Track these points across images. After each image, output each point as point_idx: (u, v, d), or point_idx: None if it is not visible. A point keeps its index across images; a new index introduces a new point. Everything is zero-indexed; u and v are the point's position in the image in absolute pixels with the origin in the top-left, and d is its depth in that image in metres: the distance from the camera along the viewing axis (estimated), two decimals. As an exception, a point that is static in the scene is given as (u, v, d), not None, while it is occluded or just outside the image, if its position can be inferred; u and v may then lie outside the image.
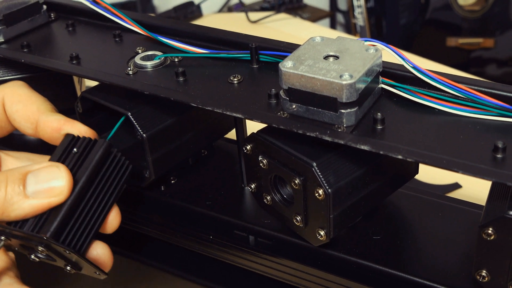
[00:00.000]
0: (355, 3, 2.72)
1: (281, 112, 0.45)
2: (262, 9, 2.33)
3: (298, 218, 0.48)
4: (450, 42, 2.47)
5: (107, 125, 0.56)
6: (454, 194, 0.82)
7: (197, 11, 1.81)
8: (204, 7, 1.88)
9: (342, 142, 0.42)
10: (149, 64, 0.53)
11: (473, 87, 0.44)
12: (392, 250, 0.51)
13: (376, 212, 0.55)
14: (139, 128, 0.52)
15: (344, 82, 0.41)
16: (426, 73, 0.45)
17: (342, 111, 0.42)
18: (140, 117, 0.52)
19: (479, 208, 0.54)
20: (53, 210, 0.44)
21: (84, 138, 0.47)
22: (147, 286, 0.66)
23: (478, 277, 0.43)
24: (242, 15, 1.63)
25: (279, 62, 0.45)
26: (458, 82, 0.44)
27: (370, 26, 2.76)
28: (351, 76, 0.41)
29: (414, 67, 0.46)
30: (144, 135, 0.52)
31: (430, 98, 0.45)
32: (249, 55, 0.52)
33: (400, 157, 0.40)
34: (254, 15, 1.63)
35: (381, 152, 0.40)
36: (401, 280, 0.49)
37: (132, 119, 0.52)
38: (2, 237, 0.44)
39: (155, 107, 0.53)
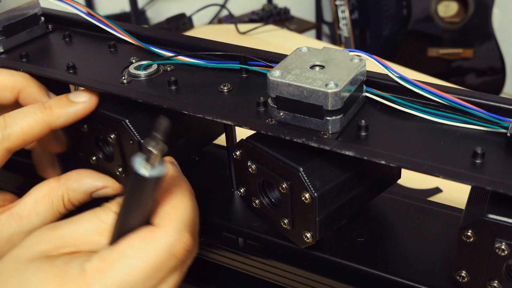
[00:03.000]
0: (340, 15, 2.75)
1: (269, 119, 0.46)
2: (251, 20, 2.35)
3: (285, 221, 0.48)
4: (431, 53, 2.50)
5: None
6: (435, 198, 0.83)
7: (188, 23, 1.82)
8: (195, 19, 1.89)
9: (327, 148, 0.42)
10: (142, 73, 0.53)
11: (456, 95, 0.45)
12: (375, 251, 0.52)
13: (361, 215, 0.55)
14: (136, 134, 0.52)
15: (329, 91, 0.42)
16: (411, 82, 0.46)
17: (328, 118, 0.43)
18: (136, 124, 0.53)
19: (459, 212, 0.54)
20: None
21: None
22: None
23: (458, 277, 0.43)
24: (231, 26, 1.64)
25: (267, 71, 0.45)
26: (443, 91, 0.45)
27: (354, 37, 2.78)
28: (336, 85, 0.42)
29: (400, 77, 0.46)
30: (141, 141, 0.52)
31: (411, 106, 0.46)
32: (239, 64, 0.53)
33: (383, 162, 0.41)
34: (243, 27, 1.64)
35: (365, 158, 0.41)
36: (384, 281, 0.49)
37: (130, 125, 0.52)
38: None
39: (148, 115, 0.54)
